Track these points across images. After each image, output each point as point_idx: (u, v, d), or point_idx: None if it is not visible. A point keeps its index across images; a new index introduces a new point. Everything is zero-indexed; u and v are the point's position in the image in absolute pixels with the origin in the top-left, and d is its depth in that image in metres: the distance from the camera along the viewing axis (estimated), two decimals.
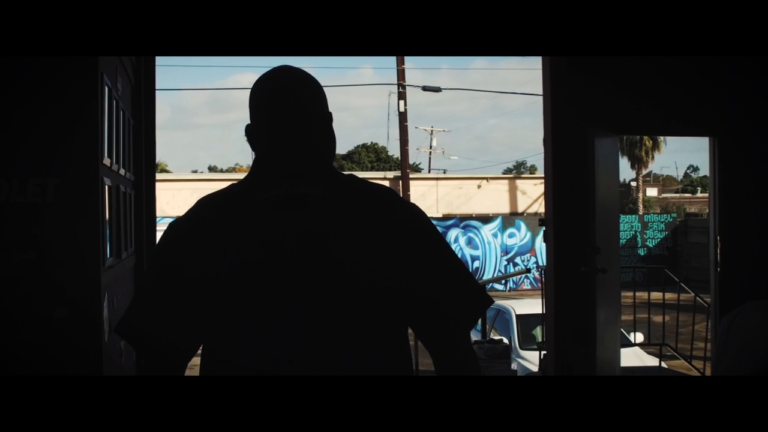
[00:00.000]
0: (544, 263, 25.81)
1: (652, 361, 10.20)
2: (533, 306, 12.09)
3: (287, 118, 2.08)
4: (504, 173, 45.56)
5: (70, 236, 4.44)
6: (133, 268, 6.95)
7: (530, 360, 10.58)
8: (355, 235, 2.01)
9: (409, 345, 2.11)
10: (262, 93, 2.12)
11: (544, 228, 7.27)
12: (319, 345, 1.96)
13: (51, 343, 4.36)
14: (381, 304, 2.01)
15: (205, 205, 2.09)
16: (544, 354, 8.39)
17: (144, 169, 7.14)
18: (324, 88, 2.18)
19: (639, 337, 10.72)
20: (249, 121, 2.15)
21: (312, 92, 2.12)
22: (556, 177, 6.91)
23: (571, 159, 6.78)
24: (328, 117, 2.15)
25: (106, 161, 4.84)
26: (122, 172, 5.88)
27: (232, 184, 2.14)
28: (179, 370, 2.06)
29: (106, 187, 4.81)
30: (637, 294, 9.72)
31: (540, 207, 30.99)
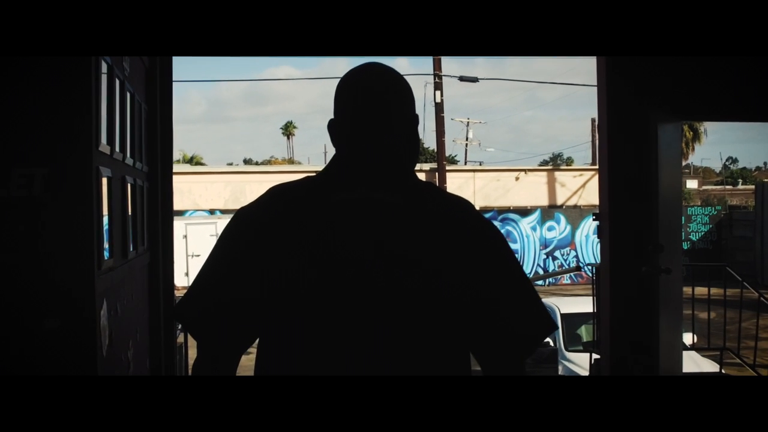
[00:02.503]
0: (590, 259, 25.15)
1: (710, 367, 9.49)
2: (578, 304, 11.78)
3: (371, 119, 2.06)
4: (540, 165, 45.09)
5: (60, 235, 3.83)
6: (147, 267, 6.37)
7: (576, 362, 10.09)
8: (430, 249, 1.99)
9: (470, 367, 2.09)
10: (349, 90, 2.10)
11: (597, 223, 6.66)
12: (382, 358, 1.94)
13: (39, 358, 3.76)
14: (447, 319, 1.99)
15: (276, 196, 2.07)
16: (595, 359, 7.92)
17: (160, 159, 6.55)
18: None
19: (690, 338, 10.03)
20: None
21: (399, 94, 2.10)
22: (612, 166, 6.33)
23: (630, 146, 6.19)
24: (414, 119, 2.13)
25: (104, 148, 4.23)
26: (129, 161, 5.27)
27: (306, 178, 2.10)
28: (234, 361, 2.05)
29: (104, 178, 4.19)
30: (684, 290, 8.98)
31: (579, 200, 30.63)
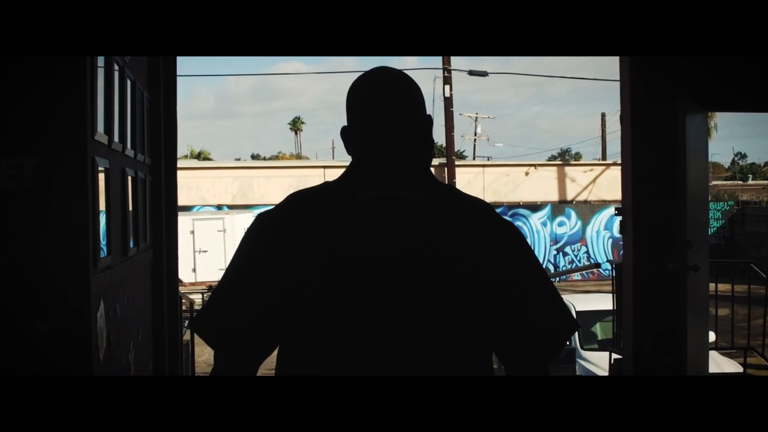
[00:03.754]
0: (600, 255, 24.87)
1: (732, 367, 9.18)
2: (592, 301, 11.54)
3: (388, 120, 2.06)
4: (548, 161, 44.93)
5: (53, 231, 3.55)
6: (150, 264, 6.10)
7: (592, 361, 9.81)
8: (455, 248, 1.98)
9: (492, 369, 2.09)
10: (361, 95, 2.10)
11: (620, 218, 6.40)
12: (404, 360, 1.93)
13: (31, 363, 3.48)
14: (473, 321, 1.99)
15: (298, 199, 2.06)
16: (615, 359, 7.67)
17: (163, 151, 6.28)
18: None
19: (711, 337, 9.72)
20: (345, 123, 2.13)
21: (412, 95, 2.11)
22: (636, 159, 6.09)
23: (656, 138, 5.92)
24: (428, 120, 2.14)
25: (101, 137, 3.95)
26: (130, 152, 4.99)
27: (325, 183, 2.09)
28: (254, 367, 2.03)
29: (101, 169, 3.91)
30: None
31: (590, 195, 30.41)
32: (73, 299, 3.55)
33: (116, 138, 4.45)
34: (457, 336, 1.97)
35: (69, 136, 3.56)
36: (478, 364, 2.04)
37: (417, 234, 1.97)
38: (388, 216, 1.98)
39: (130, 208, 4.99)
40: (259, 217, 2.07)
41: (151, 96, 6.05)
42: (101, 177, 3.95)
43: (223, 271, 2.08)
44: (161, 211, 6.21)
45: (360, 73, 2.20)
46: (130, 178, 4.93)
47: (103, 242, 4.01)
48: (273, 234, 2.01)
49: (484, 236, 2.02)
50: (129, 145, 4.96)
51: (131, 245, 4.95)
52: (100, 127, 3.94)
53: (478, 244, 2.00)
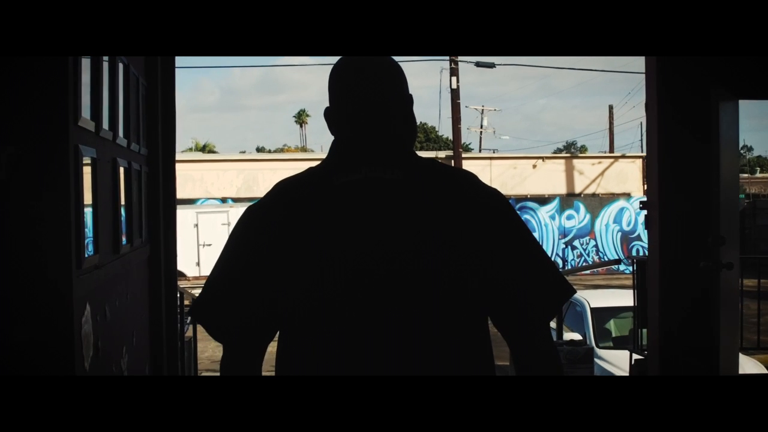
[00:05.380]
0: (610, 250, 24.52)
1: (755, 368, 8.80)
2: (607, 298, 11.24)
3: (366, 100, 2.07)
4: (554, 153, 44.71)
5: (30, 227, 3.18)
6: (147, 261, 5.73)
7: (608, 360, 9.45)
8: (436, 223, 1.98)
9: (489, 337, 2.09)
10: (341, 75, 2.11)
11: (644, 212, 6.04)
12: (400, 338, 1.94)
13: (8, 375, 3.12)
14: (463, 294, 1.98)
15: (283, 189, 2.08)
16: (636, 359, 7.33)
17: (161, 141, 5.91)
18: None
19: None
20: (327, 104, 2.13)
21: (392, 74, 2.11)
22: (664, 149, 5.75)
23: (687, 127, 5.57)
24: (409, 100, 2.14)
25: (86, 124, 3.57)
26: (123, 141, 4.62)
27: (309, 168, 2.11)
28: (259, 355, 2.07)
29: (86, 159, 3.53)
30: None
31: (598, 188, 30.32)
32: (54, 304, 3.18)
33: (106, 125, 4.08)
34: (445, 308, 1.97)
35: (48, 121, 3.19)
36: (471, 335, 2.03)
37: (393, 212, 1.98)
38: (364, 198, 1.99)
39: (123, 202, 4.62)
40: (249, 209, 2.09)
41: (147, 83, 5.68)
42: (87, 168, 3.58)
43: (216, 262, 2.09)
44: (159, 204, 5.85)
45: None
46: (122, 169, 4.56)
47: (90, 239, 3.64)
48: (260, 225, 2.03)
49: (464, 208, 2.01)
50: (121, 134, 4.58)
51: (123, 242, 4.57)
52: (86, 111, 3.56)
53: (457, 216, 1.99)
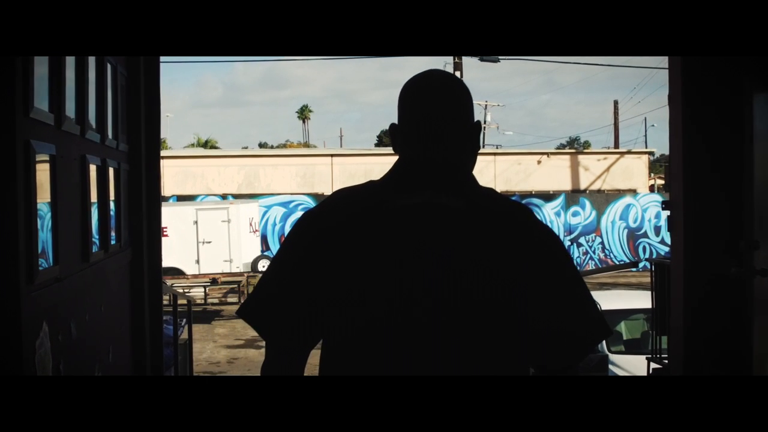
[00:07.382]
0: (616, 248, 24.13)
1: None
2: (617, 299, 11.03)
3: (435, 124, 2.08)
4: (558, 149, 44.52)
5: None
6: (129, 265, 5.28)
7: (623, 367, 9.05)
8: (491, 253, 1.99)
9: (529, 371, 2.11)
10: (416, 95, 2.12)
11: (667, 213, 5.63)
12: (444, 366, 1.95)
13: None
14: (511, 327, 2.01)
15: (342, 199, 2.09)
16: (654, 368, 6.92)
17: (144, 136, 5.45)
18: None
19: None
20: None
21: (462, 101, 2.12)
22: (689, 145, 5.37)
23: (715, 120, 5.14)
24: (476, 127, 2.15)
25: (42, 116, 3.10)
26: (95, 136, 4.15)
27: (370, 182, 2.13)
28: (303, 359, 2.09)
29: (41, 156, 3.06)
30: None
31: (603, 184, 30.03)
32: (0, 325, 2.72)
33: (72, 118, 3.61)
34: (489, 342, 1.99)
35: None
36: (517, 367, 2.05)
37: (452, 240, 1.99)
38: (424, 223, 2.00)
39: (96, 203, 4.16)
40: (305, 214, 2.13)
41: (128, 72, 5.21)
42: (44, 166, 3.12)
43: (270, 262, 2.14)
44: (141, 204, 5.39)
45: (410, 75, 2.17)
46: (94, 167, 4.09)
47: (47, 249, 3.18)
48: (315, 233, 2.05)
49: (520, 240, 2.02)
50: (93, 128, 4.11)
51: (94, 248, 4.10)
52: (42, 102, 3.10)
53: (512, 251, 2.00)
